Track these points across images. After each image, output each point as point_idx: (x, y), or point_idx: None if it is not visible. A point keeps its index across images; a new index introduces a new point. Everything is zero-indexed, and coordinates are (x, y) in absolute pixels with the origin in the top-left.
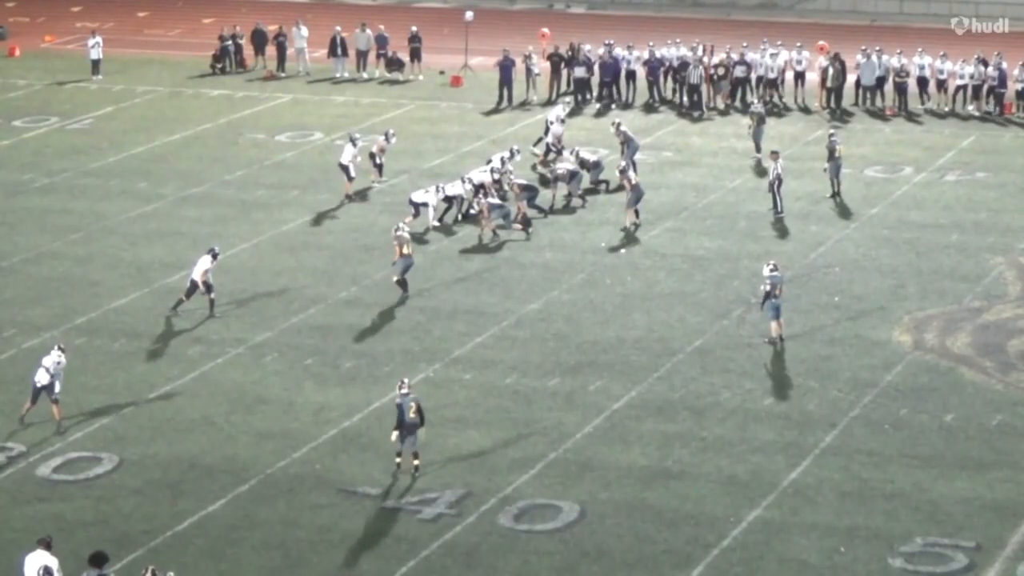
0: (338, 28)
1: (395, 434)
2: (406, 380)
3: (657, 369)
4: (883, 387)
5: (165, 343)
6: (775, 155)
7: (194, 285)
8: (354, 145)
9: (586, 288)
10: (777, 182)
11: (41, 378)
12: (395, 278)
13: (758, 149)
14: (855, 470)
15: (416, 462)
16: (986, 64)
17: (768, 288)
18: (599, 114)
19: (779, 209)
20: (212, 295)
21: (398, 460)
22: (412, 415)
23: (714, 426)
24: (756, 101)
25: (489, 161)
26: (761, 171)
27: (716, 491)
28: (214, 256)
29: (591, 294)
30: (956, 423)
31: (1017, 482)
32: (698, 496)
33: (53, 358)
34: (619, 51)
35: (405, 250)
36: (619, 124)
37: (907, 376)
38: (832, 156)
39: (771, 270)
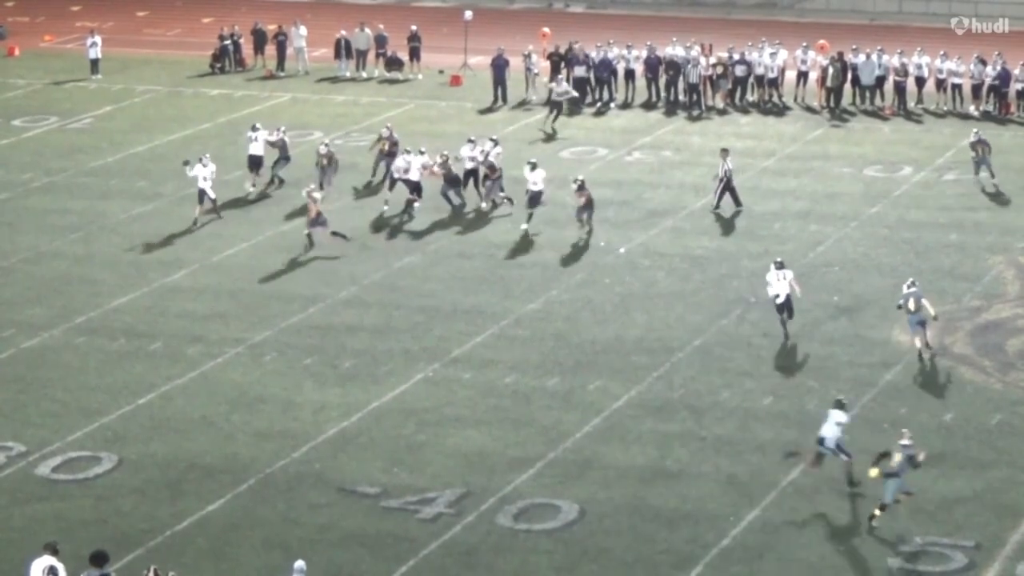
0: (343, 32)
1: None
2: (906, 431)
3: (656, 368)
4: (882, 386)
5: (164, 343)
6: (725, 152)
7: None
8: (421, 154)
9: (585, 287)
10: (726, 179)
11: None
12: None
13: (990, 175)
14: (855, 469)
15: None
16: (985, 63)
17: (902, 303)
18: (599, 113)
19: (716, 205)
20: None
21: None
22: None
23: (713, 425)
24: (976, 130)
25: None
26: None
27: (715, 490)
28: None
29: (590, 293)
30: (955, 422)
31: (1016, 481)
32: (697, 496)
33: None
34: (612, 51)
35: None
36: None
37: (906, 375)
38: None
39: (908, 286)
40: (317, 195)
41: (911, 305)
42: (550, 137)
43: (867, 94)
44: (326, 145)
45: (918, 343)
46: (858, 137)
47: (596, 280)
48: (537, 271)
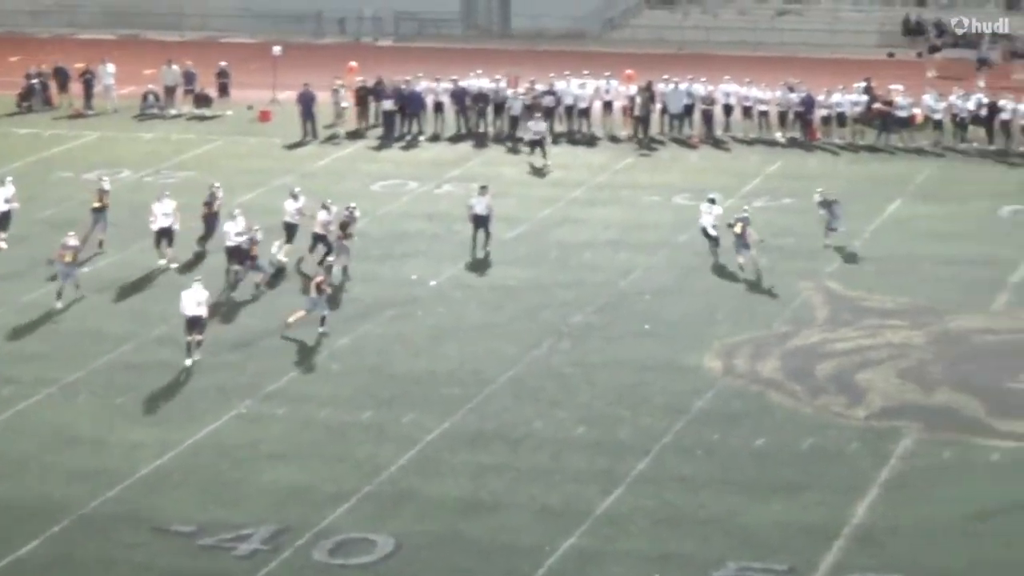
0: (150, 85)
1: None
2: None
3: (470, 400)
4: (694, 413)
5: None
6: (484, 190)
7: None
8: (296, 200)
9: (398, 321)
10: (487, 216)
11: None
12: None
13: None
14: (668, 496)
15: None
16: (792, 90)
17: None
18: (409, 146)
19: (483, 247)
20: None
21: None
22: None
23: (527, 456)
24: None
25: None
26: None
27: (530, 521)
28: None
29: (402, 327)
30: (767, 447)
31: (828, 504)
32: (513, 526)
33: None
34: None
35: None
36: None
37: (718, 402)
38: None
39: (741, 211)
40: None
41: (737, 229)
42: (540, 172)
43: (675, 122)
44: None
45: (741, 260)
46: (666, 166)
47: (408, 313)
48: (349, 305)
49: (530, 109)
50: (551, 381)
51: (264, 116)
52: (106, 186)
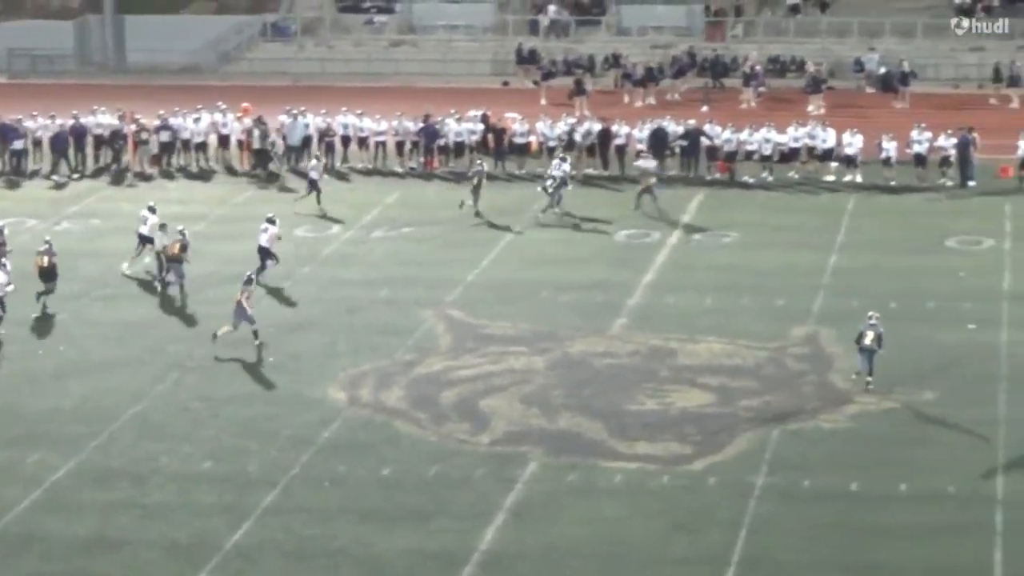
0: None
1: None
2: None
3: (96, 437)
4: (321, 444)
5: None
6: (183, 234)
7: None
8: (153, 213)
9: (19, 360)
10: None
11: None
12: None
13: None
14: (297, 528)
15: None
16: (416, 121)
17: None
18: (25, 185)
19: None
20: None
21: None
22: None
23: (155, 492)
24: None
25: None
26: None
27: (159, 557)
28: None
29: (25, 365)
30: (393, 476)
31: (456, 531)
32: (141, 563)
33: None
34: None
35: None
36: None
37: (344, 432)
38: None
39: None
40: None
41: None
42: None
43: (292, 155)
44: None
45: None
46: (285, 198)
47: (30, 351)
48: None
49: (136, 145)
50: (177, 416)
51: None
52: None
